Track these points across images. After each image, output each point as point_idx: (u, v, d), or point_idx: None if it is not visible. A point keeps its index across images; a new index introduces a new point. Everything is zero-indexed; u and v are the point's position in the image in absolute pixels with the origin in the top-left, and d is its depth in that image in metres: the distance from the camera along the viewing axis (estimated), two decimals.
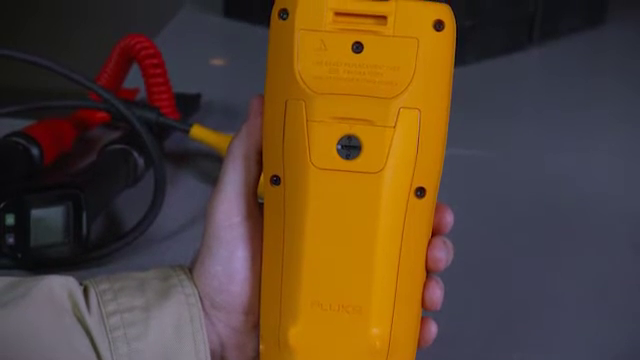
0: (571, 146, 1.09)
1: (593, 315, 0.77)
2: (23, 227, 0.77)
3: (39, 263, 0.79)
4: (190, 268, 0.57)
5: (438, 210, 0.53)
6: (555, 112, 1.19)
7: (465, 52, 1.26)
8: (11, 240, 0.77)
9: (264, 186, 0.53)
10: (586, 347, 0.73)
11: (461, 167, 0.94)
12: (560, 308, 0.78)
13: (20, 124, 0.91)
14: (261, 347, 0.54)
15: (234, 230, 0.54)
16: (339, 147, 0.50)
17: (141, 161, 0.90)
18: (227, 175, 0.55)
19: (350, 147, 0.50)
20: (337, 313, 0.51)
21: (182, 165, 0.98)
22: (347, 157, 0.50)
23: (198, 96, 1.09)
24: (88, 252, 0.80)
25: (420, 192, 0.51)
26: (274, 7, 0.51)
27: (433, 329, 0.55)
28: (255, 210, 0.55)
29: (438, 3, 0.50)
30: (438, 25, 0.50)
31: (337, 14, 0.50)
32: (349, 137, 0.50)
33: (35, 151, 0.88)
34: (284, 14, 0.51)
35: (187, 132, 0.93)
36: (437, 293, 0.54)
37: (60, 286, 0.55)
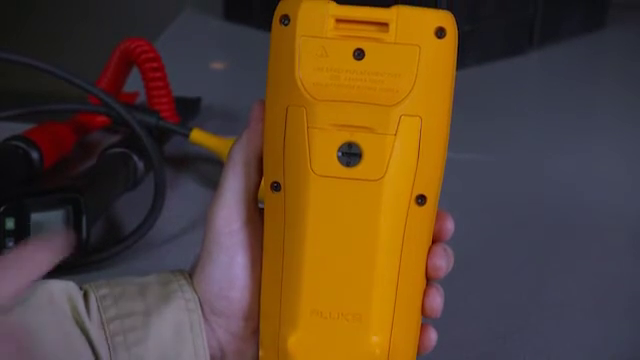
0: (571, 149, 1.09)
1: (594, 320, 0.77)
2: (23, 231, 0.77)
3: None
4: (190, 273, 0.57)
5: (439, 217, 0.53)
6: (555, 116, 1.19)
7: (465, 55, 1.26)
8: (11, 244, 0.77)
9: (264, 192, 0.53)
10: (587, 352, 0.73)
11: (461, 170, 0.94)
12: (561, 313, 0.77)
13: (20, 128, 0.91)
14: (260, 354, 0.54)
15: (234, 236, 0.54)
16: (340, 154, 0.50)
17: (141, 165, 0.90)
18: (227, 181, 0.55)
19: (351, 154, 0.50)
20: (337, 321, 0.51)
21: (182, 169, 0.98)
22: (348, 164, 0.50)
23: (198, 100, 1.09)
24: (88, 256, 0.80)
25: (421, 200, 0.51)
26: (276, 13, 0.51)
27: (433, 336, 0.55)
28: (255, 216, 0.55)
29: (440, 10, 0.50)
30: (440, 32, 0.50)
31: (338, 21, 0.50)
32: (350, 144, 0.50)
33: (35, 155, 0.88)
34: (286, 20, 0.51)
35: (187, 136, 0.93)
36: (437, 300, 0.54)
37: (60, 290, 0.55)
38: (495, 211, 0.93)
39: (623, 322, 0.76)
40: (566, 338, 0.74)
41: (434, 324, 0.55)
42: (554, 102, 1.25)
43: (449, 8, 0.51)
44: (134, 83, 1.02)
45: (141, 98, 1.04)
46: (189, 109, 1.06)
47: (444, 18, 0.50)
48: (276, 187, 0.52)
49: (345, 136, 0.50)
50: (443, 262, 0.53)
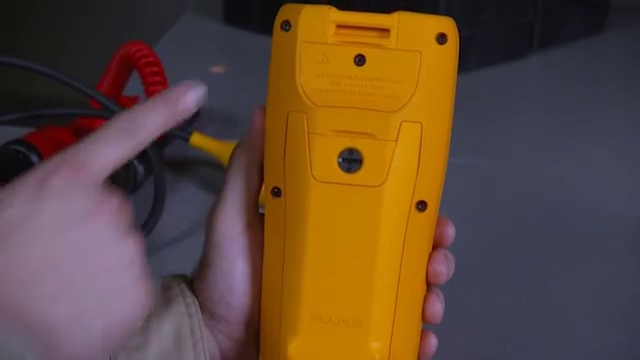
0: (571, 154, 1.09)
1: (594, 324, 0.77)
2: None
3: None
4: (191, 278, 0.57)
5: (439, 223, 0.53)
6: (555, 120, 1.19)
7: (465, 60, 1.26)
8: None
9: (265, 198, 0.53)
10: (587, 356, 0.73)
11: (460, 175, 0.94)
12: (561, 317, 0.77)
13: (20, 132, 0.91)
14: (261, 359, 0.54)
15: (235, 241, 0.54)
16: (340, 160, 0.50)
17: (141, 168, 0.90)
18: (228, 186, 0.55)
19: (351, 160, 0.50)
20: (337, 326, 0.51)
21: (182, 173, 0.98)
22: (348, 170, 0.50)
23: None
24: None
25: (421, 206, 0.51)
26: (277, 18, 0.51)
27: (433, 342, 0.55)
28: (256, 221, 0.55)
29: (441, 16, 0.50)
30: (441, 38, 0.50)
31: (339, 27, 0.50)
32: (350, 150, 0.50)
33: (35, 159, 0.88)
34: (286, 26, 0.51)
35: (187, 140, 0.93)
36: (437, 307, 0.53)
37: None
38: (495, 216, 0.93)
39: (623, 326, 0.76)
40: (566, 342, 0.74)
41: (434, 328, 0.55)
42: (554, 106, 1.25)
43: (449, 13, 0.51)
44: (134, 87, 1.02)
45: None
46: None
47: (445, 24, 0.50)
48: (276, 193, 0.52)
49: (346, 142, 0.50)
50: (443, 268, 0.53)
